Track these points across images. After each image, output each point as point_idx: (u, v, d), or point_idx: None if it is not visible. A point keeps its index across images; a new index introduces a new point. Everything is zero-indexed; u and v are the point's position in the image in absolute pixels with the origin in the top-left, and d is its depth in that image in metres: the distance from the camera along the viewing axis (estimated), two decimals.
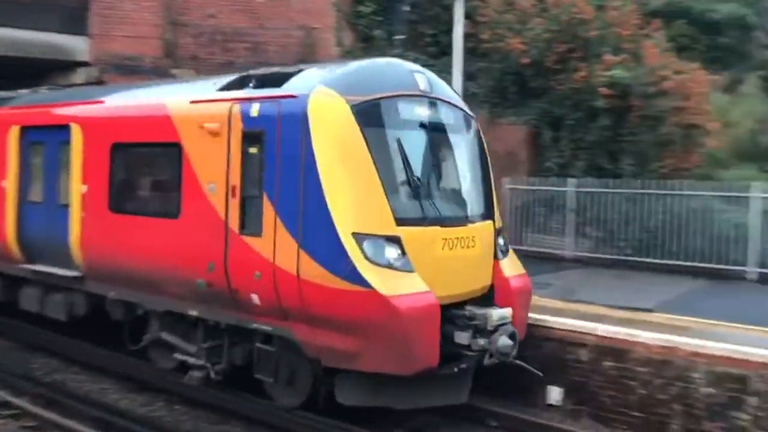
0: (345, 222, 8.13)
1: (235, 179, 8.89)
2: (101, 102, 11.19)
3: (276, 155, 8.57)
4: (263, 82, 9.22)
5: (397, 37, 19.91)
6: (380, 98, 8.61)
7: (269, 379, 9.14)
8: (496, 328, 8.62)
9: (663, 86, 17.57)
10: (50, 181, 11.79)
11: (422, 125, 9.05)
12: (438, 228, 8.69)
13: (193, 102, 9.66)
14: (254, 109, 8.83)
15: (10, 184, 12.30)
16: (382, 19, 20.75)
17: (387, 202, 8.33)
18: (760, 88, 27.44)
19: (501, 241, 9.76)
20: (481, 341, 8.56)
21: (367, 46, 19.93)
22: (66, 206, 11.24)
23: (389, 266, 8.18)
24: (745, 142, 24.41)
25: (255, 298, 8.73)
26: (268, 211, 8.58)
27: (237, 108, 8.98)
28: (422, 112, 9.03)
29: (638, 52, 18.31)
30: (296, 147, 8.39)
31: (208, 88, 9.91)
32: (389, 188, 8.40)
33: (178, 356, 10.01)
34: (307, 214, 8.27)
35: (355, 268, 8.00)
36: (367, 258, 8.06)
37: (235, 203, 8.86)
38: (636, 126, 17.52)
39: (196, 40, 18.45)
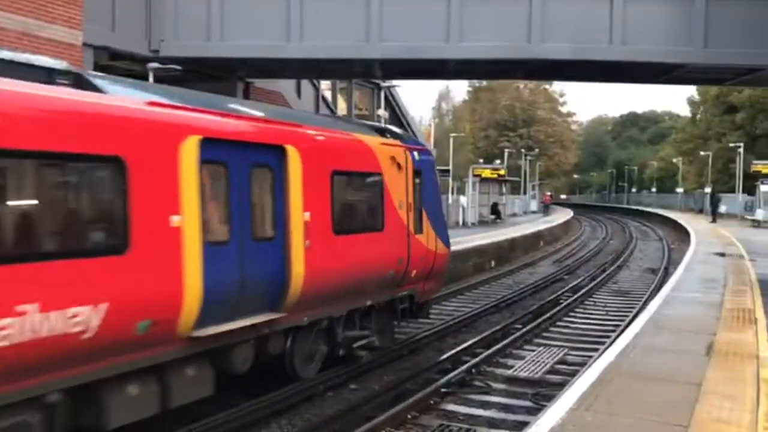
0: None
1: (410, 199, 13.76)
2: (305, 127, 11.24)
3: (428, 185, 14.60)
4: (393, 134, 14.20)
5: None
6: None
7: (401, 320, 14.38)
8: None
9: None
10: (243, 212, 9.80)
11: None
12: None
13: (383, 144, 13.26)
14: (417, 155, 14.18)
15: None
16: None
17: None
18: None
19: None
20: None
21: None
22: (270, 239, 10.18)
23: None
24: None
25: (414, 272, 13.72)
26: (425, 218, 14.33)
27: (407, 152, 13.76)
28: None
29: None
30: (432, 179, 14.92)
31: (361, 129, 13.41)
32: None
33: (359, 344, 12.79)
34: (439, 218, 15.14)
35: (449, 243, 15.70)
36: None
37: (411, 215, 13.76)
38: None
39: None
